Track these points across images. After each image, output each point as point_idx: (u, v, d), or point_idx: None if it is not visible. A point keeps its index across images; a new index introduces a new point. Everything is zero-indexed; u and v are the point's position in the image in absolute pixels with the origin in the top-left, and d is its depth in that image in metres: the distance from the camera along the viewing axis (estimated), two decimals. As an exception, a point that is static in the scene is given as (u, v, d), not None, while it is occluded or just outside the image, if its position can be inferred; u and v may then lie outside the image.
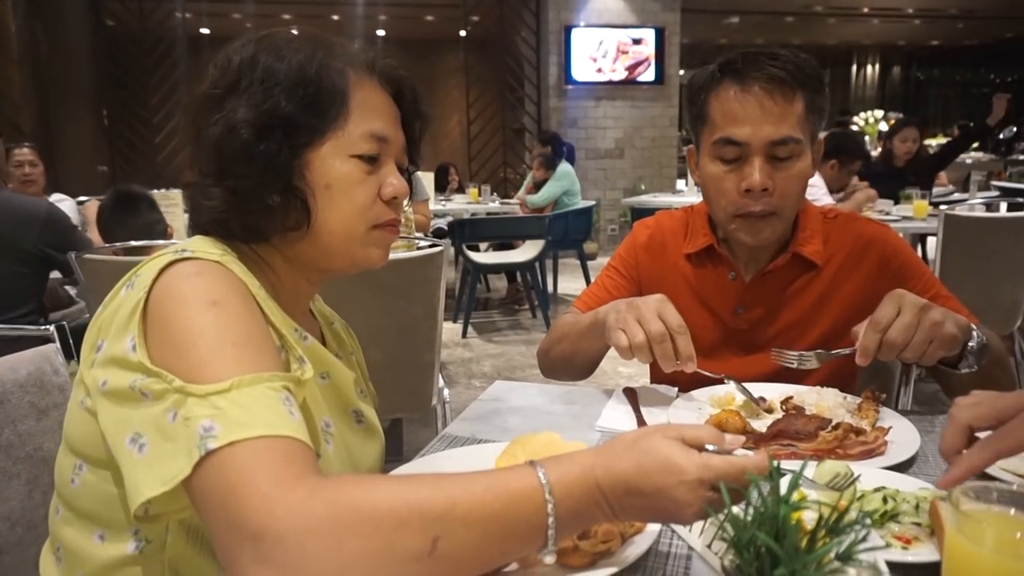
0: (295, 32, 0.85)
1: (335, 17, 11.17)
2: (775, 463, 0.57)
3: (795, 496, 0.54)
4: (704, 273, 1.32)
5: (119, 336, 0.70)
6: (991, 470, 0.87)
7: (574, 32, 8.16)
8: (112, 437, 0.68)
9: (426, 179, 5.69)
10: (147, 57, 7.99)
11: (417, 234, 3.48)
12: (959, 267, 3.28)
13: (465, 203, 6.35)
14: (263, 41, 0.83)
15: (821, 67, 1.21)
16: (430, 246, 2.37)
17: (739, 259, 1.29)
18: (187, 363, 0.66)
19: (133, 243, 2.53)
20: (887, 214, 4.14)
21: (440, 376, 2.80)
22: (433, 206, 5.96)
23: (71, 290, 2.94)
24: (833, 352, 1.12)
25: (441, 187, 7.13)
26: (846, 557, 0.51)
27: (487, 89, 9.47)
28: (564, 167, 5.87)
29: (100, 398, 0.69)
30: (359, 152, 0.83)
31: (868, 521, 0.70)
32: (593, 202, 6.35)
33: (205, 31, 10.55)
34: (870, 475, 0.85)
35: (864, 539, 0.51)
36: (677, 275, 1.34)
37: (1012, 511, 0.51)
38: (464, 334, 5.10)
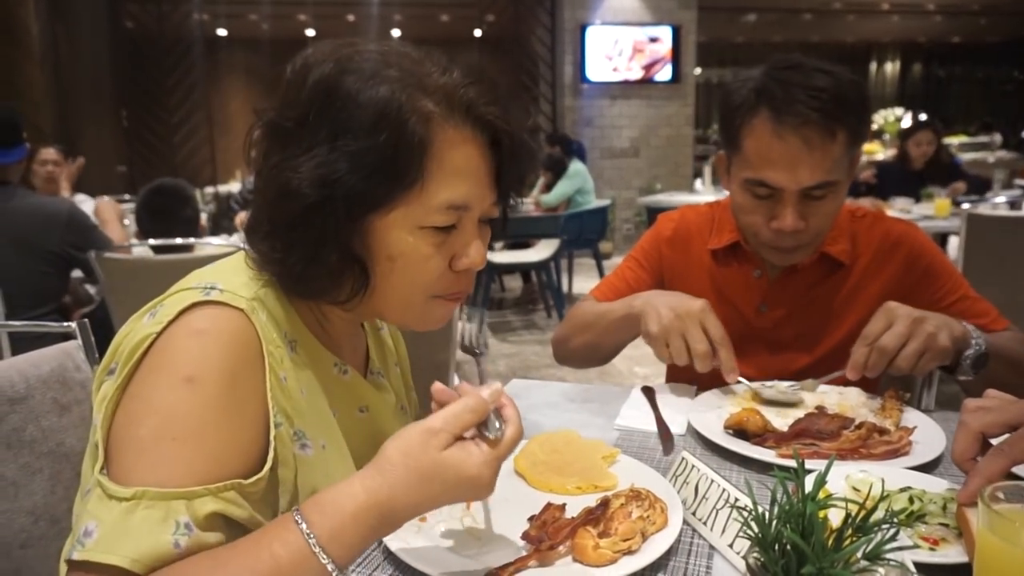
0: (382, 51, 0.74)
1: (350, 17, 11.21)
2: (800, 461, 0.56)
3: (820, 495, 0.54)
4: (728, 270, 1.30)
5: (118, 373, 0.68)
6: (1020, 471, 0.86)
7: (589, 31, 8.14)
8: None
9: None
10: (165, 58, 8.08)
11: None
12: (982, 267, 3.23)
13: (481, 202, 6.33)
14: (347, 62, 0.72)
15: (862, 86, 1.13)
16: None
17: (765, 257, 1.27)
18: (123, 445, 0.64)
19: (152, 241, 2.55)
20: (908, 213, 4.09)
21: (456, 375, 2.81)
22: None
23: (91, 289, 2.97)
24: (825, 378, 1.12)
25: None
26: (874, 556, 0.50)
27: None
28: (576, 166, 5.85)
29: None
30: (432, 223, 0.73)
31: (896, 520, 0.70)
32: (608, 201, 6.33)
33: (222, 32, 10.65)
34: (896, 475, 0.84)
35: (892, 538, 0.50)
36: (701, 270, 1.32)
37: (1046, 510, 0.50)
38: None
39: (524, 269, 5.95)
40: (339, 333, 0.84)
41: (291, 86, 0.73)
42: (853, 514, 0.52)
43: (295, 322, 0.77)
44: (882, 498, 0.78)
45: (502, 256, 5.70)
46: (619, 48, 8.16)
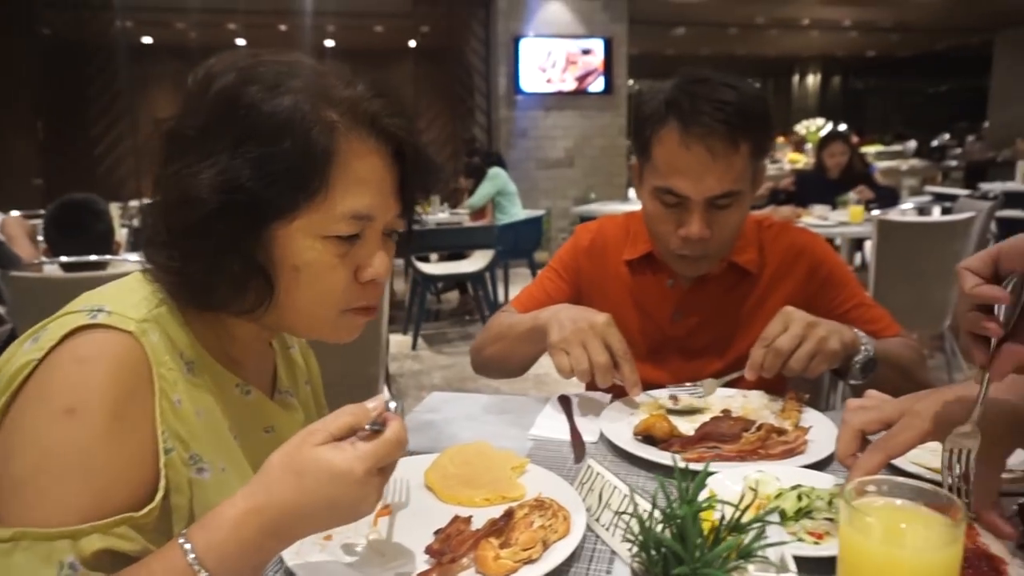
0: (286, 62, 0.74)
1: (283, 27, 11.03)
2: (680, 466, 0.58)
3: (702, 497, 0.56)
4: (643, 279, 1.34)
5: None
6: (901, 464, 0.91)
7: (523, 43, 8.22)
8: None
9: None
10: (86, 67, 7.79)
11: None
12: (893, 269, 3.40)
13: (415, 213, 6.34)
14: (250, 72, 0.71)
15: (765, 100, 1.18)
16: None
17: (673, 267, 1.30)
18: (1, 483, 0.61)
19: (64, 259, 2.45)
20: (825, 219, 4.28)
21: (386, 388, 2.79)
22: (383, 217, 5.93)
23: (1, 310, 2.83)
24: (724, 377, 1.17)
25: (391, 198, 7.13)
26: (747, 554, 0.52)
27: (437, 99, 9.48)
28: (494, 170, 5.98)
29: None
30: (335, 233, 0.73)
31: (775, 518, 0.73)
32: (543, 211, 6.40)
33: (147, 40, 10.33)
34: (790, 474, 0.88)
35: (761, 536, 0.52)
36: (617, 281, 1.36)
37: (899, 502, 0.53)
38: (414, 346, 5.07)
39: (460, 280, 5.95)
40: (243, 352, 0.83)
41: (193, 95, 0.72)
42: (729, 515, 0.54)
43: (193, 343, 0.75)
44: (774, 497, 0.82)
45: (437, 267, 5.69)
46: (552, 60, 8.28)
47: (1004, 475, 0.80)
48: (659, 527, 0.54)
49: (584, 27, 8.41)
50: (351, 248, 0.74)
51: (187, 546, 0.58)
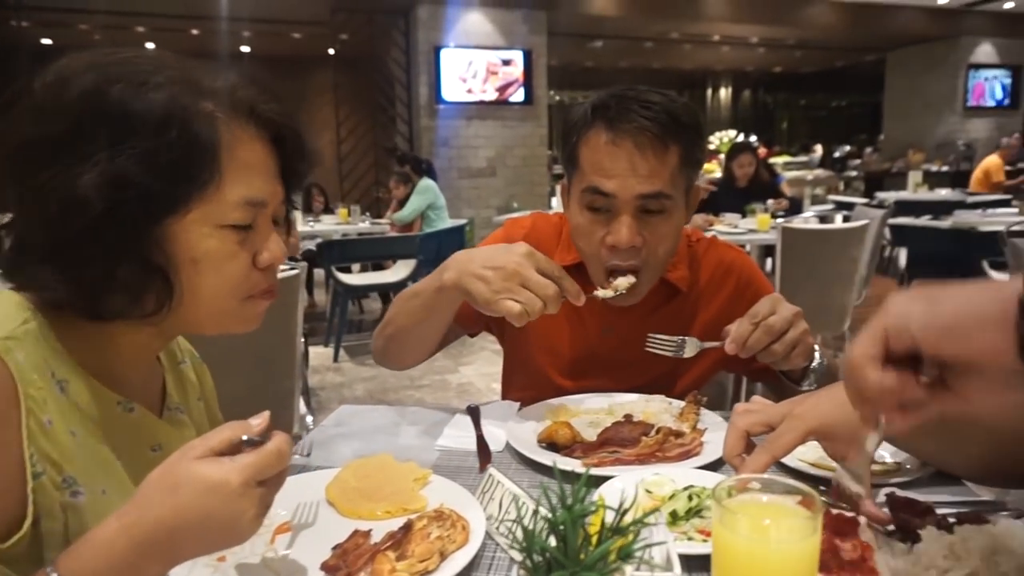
0: (148, 58, 0.72)
1: (195, 31, 10.69)
2: (559, 467, 0.59)
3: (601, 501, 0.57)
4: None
5: None
6: (789, 461, 0.96)
7: (444, 53, 8.24)
8: None
9: (293, 200, 5.54)
10: (-24, 70, 7.32)
11: (279, 257, 3.37)
12: (797, 274, 3.57)
13: (335, 224, 6.23)
14: (112, 68, 0.69)
15: (697, 113, 1.16)
16: (288, 269, 2.30)
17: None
18: None
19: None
20: (735, 227, 4.46)
21: (302, 403, 2.72)
22: (300, 227, 5.80)
23: None
24: (707, 344, 1.12)
25: (308, 208, 6.97)
26: (626, 555, 0.54)
27: (358, 108, 9.37)
28: (425, 182, 5.92)
29: None
30: (231, 222, 0.73)
31: (661, 518, 0.75)
32: (465, 220, 6.41)
33: (47, 42, 9.80)
34: (685, 475, 0.91)
35: (637, 537, 0.54)
36: None
37: (764, 498, 0.56)
38: (336, 358, 4.98)
39: (382, 290, 5.89)
40: (127, 368, 0.80)
41: (46, 100, 0.69)
42: (608, 520, 0.55)
43: (66, 360, 0.71)
44: (668, 499, 0.85)
45: (359, 278, 5.61)
46: (473, 70, 8.33)
47: (873, 467, 0.86)
48: (544, 533, 0.55)
49: (504, 38, 8.50)
50: (247, 235, 0.75)
51: (51, 571, 0.56)
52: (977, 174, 8.31)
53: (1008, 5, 11.19)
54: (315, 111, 12.86)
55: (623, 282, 1.11)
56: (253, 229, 0.76)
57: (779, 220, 3.85)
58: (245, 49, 12.00)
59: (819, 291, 3.61)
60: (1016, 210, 4.95)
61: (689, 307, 1.28)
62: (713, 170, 8.72)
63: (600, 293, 1.10)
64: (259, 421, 0.63)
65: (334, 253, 5.06)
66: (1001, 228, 3.24)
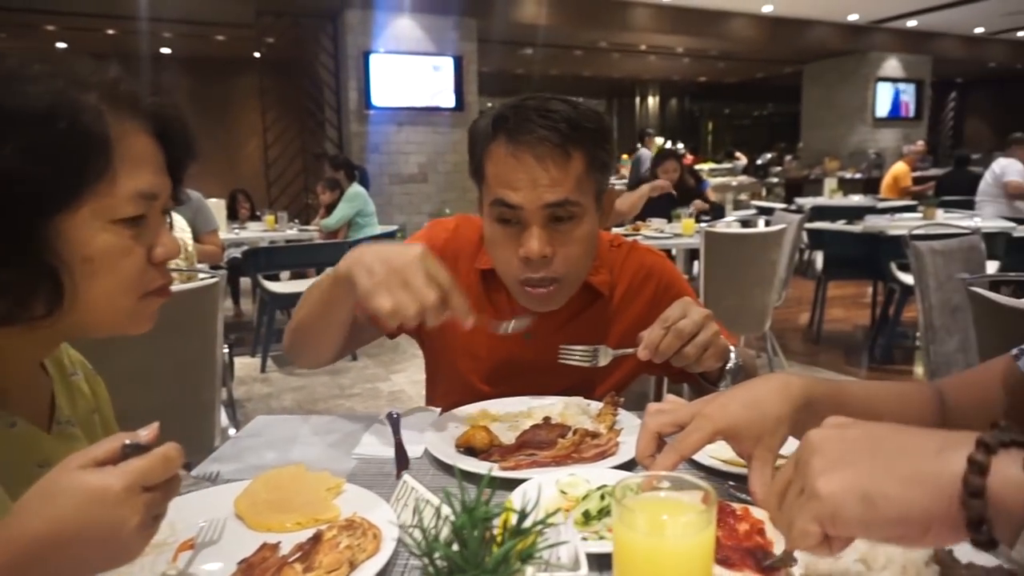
0: (18, 54, 0.69)
1: (110, 31, 10.26)
2: (460, 468, 0.59)
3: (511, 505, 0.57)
4: (496, 295, 1.27)
5: None
6: (699, 458, 0.98)
7: (373, 58, 8.17)
8: None
9: (216, 207, 5.38)
10: None
11: (200, 265, 3.26)
12: (720, 277, 3.68)
13: (261, 231, 6.07)
14: None
15: (601, 117, 1.17)
16: (207, 277, 2.23)
17: (522, 303, 1.23)
18: None
19: None
20: (662, 232, 4.56)
21: (225, 414, 2.64)
22: (225, 235, 5.63)
23: None
24: (619, 351, 1.12)
25: (233, 215, 6.78)
26: (527, 557, 0.54)
27: (286, 113, 9.18)
28: (355, 188, 5.83)
29: None
30: (124, 216, 0.71)
31: (561, 518, 0.76)
32: (395, 226, 6.35)
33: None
34: (601, 475, 0.92)
35: (537, 539, 0.55)
36: (469, 289, 1.26)
37: (662, 495, 0.58)
38: (263, 368, 4.85)
39: (311, 298, 5.77)
40: (9, 381, 0.76)
41: None
42: (509, 522, 0.56)
43: None
44: (582, 499, 0.86)
45: (287, 286, 5.48)
46: (403, 76, 8.28)
47: (779, 462, 0.89)
48: (447, 537, 0.55)
49: (434, 45, 8.49)
50: (140, 230, 0.74)
51: None
52: (887, 180, 8.76)
53: (911, 23, 11.91)
54: (241, 115, 12.55)
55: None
56: (146, 223, 0.75)
57: (702, 225, 3.96)
58: (165, 51, 11.59)
59: (741, 293, 3.73)
60: (921, 215, 5.23)
61: (610, 311, 1.29)
62: (641, 176, 8.91)
63: (494, 326, 1.09)
64: (147, 431, 0.60)
65: (260, 261, 4.93)
66: (905, 232, 3.42)
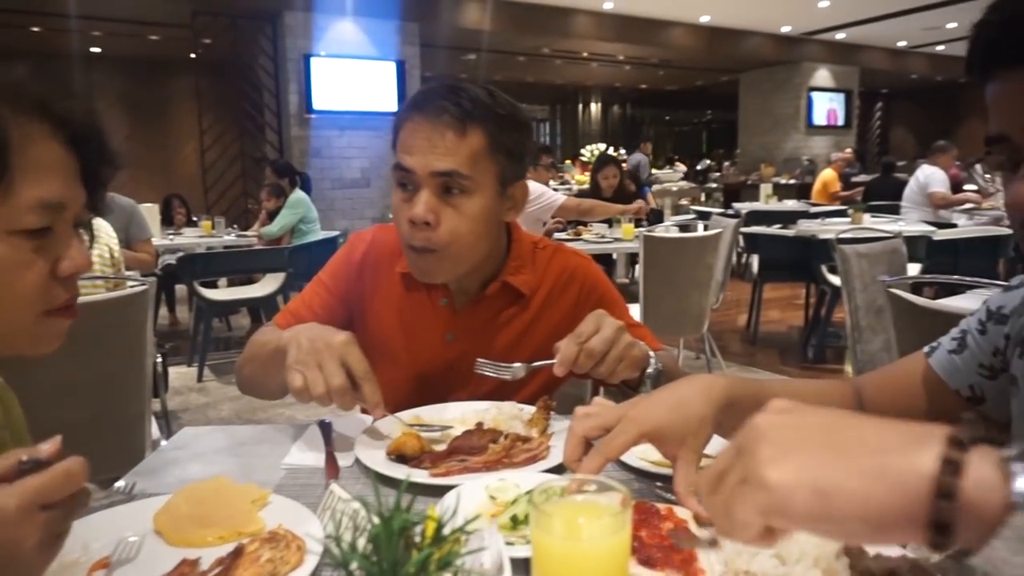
0: None
1: (35, 28, 9.84)
2: (374, 473, 0.59)
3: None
4: (417, 296, 1.29)
5: None
6: (631, 460, 1.00)
7: (314, 61, 8.05)
8: None
9: (149, 212, 5.21)
10: None
11: (129, 273, 3.15)
12: (658, 280, 3.75)
13: (197, 236, 5.91)
14: None
15: (516, 108, 1.20)
16: (136, 285, 2.15)
17: (451, 286, 1.28)
18: None
19: None
20: (603, 236, 4.63)
21: (157, 427, 2.55)
22: (160, 241, 5.47)
23: None
24: (536, 364, 1.14)
25: (168, 220, 6.58)
26: (445, 564, 0.54)
27: (224, 115, 8.95)
28: (298, 195, 5.73)
29: None
30: (24, 227, 0.68)
31: (483, 523, 0.76)
32: (337, 232, 6.26)
33: None
34: (531, 479, 0.93)
35: (461, 544, 0.55)
36: (391, 294, 1.30)
37: (579, 498, 0.58)
38: (200, 378, 4.71)
39: (250, 305, 5.64)
40: None
41: None
42: (429, 529, 0.56)
43: None
44: (511, 504, 0.86)
45: (225, 293, 5.35)
46: (345, 80, 8.18)
47: (704, 461, 0.91)
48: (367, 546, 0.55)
49: (376, 49, 8.42)
50: (44, 242, 0.71)
51: None
52: (817, 186, 9.10)
53: (840, 36, 12.42)
54: (178, 118, 12.19)
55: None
56: (52, 235, 0.71)
57: (642, 229, 4.03)
58: (96, 50, 11.18)
59: (679, 295, 3.81)
60: (849, 219, 5.44)
61: (532, 311, 1.30)
62: (584, 181, 9.01)
63: (400, 416, 1.15)
64: (48, 446, 0.58)
65: (196, 267, 4.80)
66: (833, 236, 3.56)
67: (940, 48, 13.37)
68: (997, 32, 0.64)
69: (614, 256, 4.66)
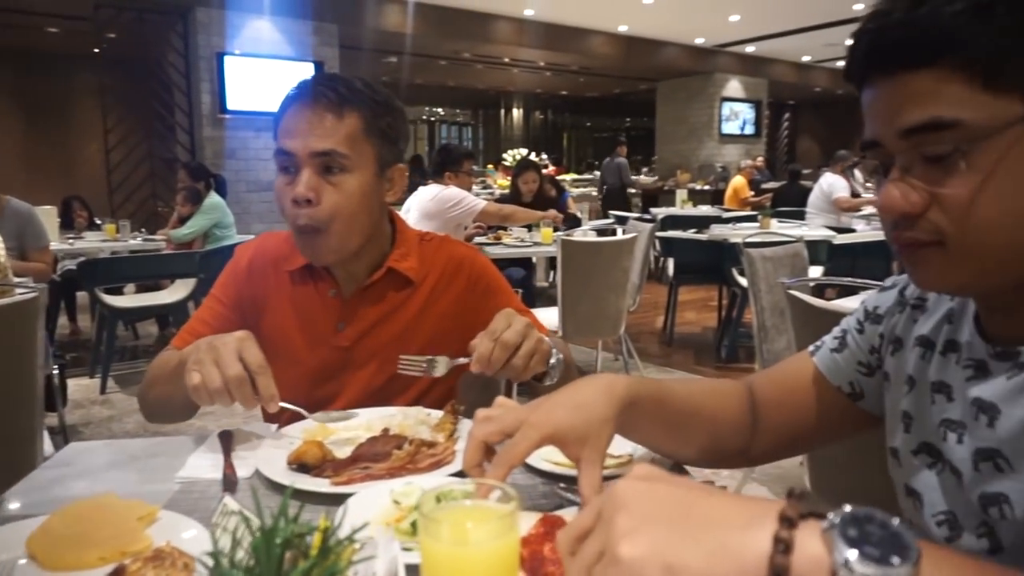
0: None
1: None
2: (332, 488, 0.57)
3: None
4: (307, 291, 1.33)
5: None
6: (536, 462, 1.01)
7: (228, 60, 7.79)
8: None
9: (47, 215, 4.92)
10: None
11: (19, 279, 2.95)
12: (576, 283, 3.81)
13: (100, 241, 5.61)
14: None
15: (391, 97, 1.27)
16: (24, 292, 2.02)
17: (338, 275, 1.32)
18: None
19: None
20: (523, 240, 4.66)
21: (52, 443, 2.41)
22: (58, 245, 5.17)
23: None
24: (457, 360, 1.16)
25: (68, 223, 6.22)
26: (333, 574, 0.53)
27: (131, 114, 8.54)
28: (213, 199, 5.53)
29: None
30: None
31: (379, 532, 0.76)
32: (252, 236, 6.07)
33: None
34: (435, 484, 0.92)
35: (350, 554, 0.54)
36: (280, 295, 1.33)
37: (468, 503, 0.58)
38: (103, 390, 4.47)
39: (158, 313, 5.40)
40: None
41: None
42: (314, 539, 0.54)
43: None
44: (414, 509, 0.85)
45: (131, 300, 5.10)
46: (261, 80, 7.94)
47: (608, 460, 0.93)
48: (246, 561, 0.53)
49: (294, 49, 8.23)
50: None
51: None
52: (728, 192, 9.48)
53: (749, 49, 12.99)
54: (79, 116, 11.55)
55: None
56: None
57: (559, 234, 4.09)
58: (-14, 41, 10.48)
59: (597, 298, 3.87)
60: (758, 224, 5.68)
61: (421, 298, 1.34)
62: (506, 186, 9.07)
63: (313, 417, 1.14)
64: None
65: (99, 273, 4.55)
66: (741, 240, 3.70)
67: (840, 63, 14.06)
68: (873, 40, 0.67)
69: (534, 260, 4.70)
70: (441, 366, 1.16)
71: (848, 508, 0.43)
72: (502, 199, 5.54)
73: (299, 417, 1.15)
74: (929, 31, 0.62)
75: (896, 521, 0.43)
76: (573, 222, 5.18)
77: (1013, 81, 0.61)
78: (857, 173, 7.52)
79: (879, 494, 0.87)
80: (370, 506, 0.86)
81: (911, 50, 0.63)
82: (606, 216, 8.31)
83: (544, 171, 6.94)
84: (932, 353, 0.80)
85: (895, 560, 0.40)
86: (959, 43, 0.61)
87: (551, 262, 4.79)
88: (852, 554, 0.40)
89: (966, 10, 0.60)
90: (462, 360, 1.13)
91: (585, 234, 4.49)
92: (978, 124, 0.61)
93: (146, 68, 8.25)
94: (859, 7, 8.89)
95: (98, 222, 6.53)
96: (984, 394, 0.70)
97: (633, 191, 12.57)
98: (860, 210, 6.46)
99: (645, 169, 14.79)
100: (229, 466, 1.03)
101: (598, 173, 13.72)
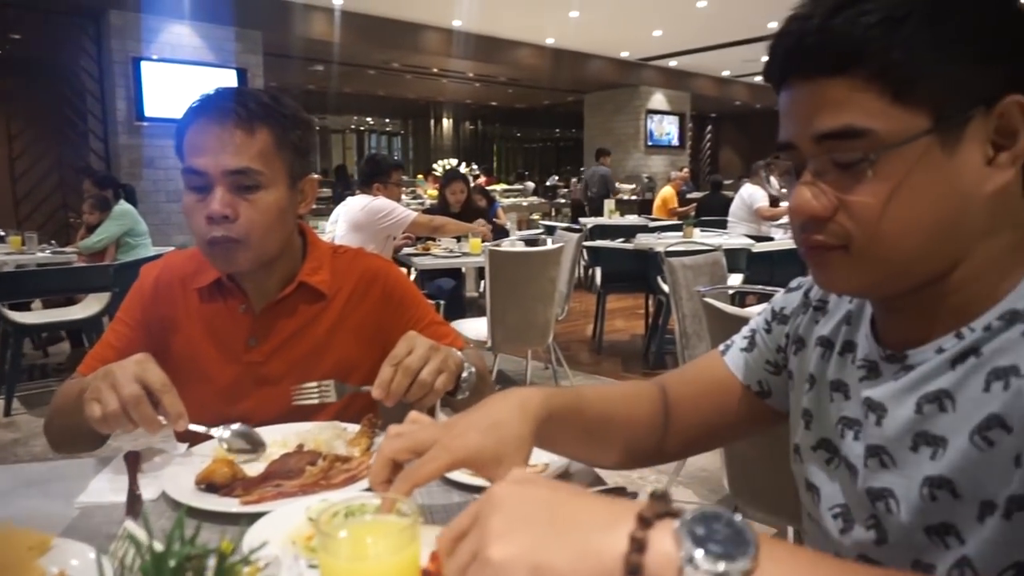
0: None
1: None
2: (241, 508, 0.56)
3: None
4: (216, 307, 1.30)
5: None
6: (453, 476, 1.00)
7: (144, 65, 7.52)
8: None
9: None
10: None
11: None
12: (504, 293, 3.84)
13: (4, 254, 5.31)
14: None
15: (299, 109, 1.26)
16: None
17: (249, 290, 1.29)
18: None
19: None
20: (451, 251, 4.66)
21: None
22: (-46, 259, 4.86)
23: None
24: (351, 387, 1.15)
25: (-32, 236, 5.87)
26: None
27: (38, 120, 8.14)
28: (122, 206, 5.32)
29: None
30: None
31: (285, 550, 0.75)
32: (173, 248, 5.86)
33: None
34: (341, 500, 0.91)
35: (241, 568, 0.53)
36: (189, 312, 1.30)
37: (368, 517, 0.59)
38: (8, 411, 4.22)
39: (69, 328, 5.15)
40: None
41: None
42: (212, 561, 0.54)
43: None
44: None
45: (39, 316, 4.84)
46: (181, 86, 7.69)
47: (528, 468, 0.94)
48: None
49: (215, 55, 8.02)
50: None
51: None
52: (657, 202, 9.71)
53: (672, 63, 13.40)
54: (-20, 122, 10.91)
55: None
56: None
57: (487, 244, 4.11)
58: None
59: (525, 308, 3.91)
60: (682, 233, 5.84)
61: (334, 312, 1.32)
62: (434, 195, 9.06)
63: (215, 431, 1.11)
64: None
65: (3, 287, 4.30)
66: (663, 249, 3.81)
67: (757, 79, 14.75)
68: (793, 44, 0.68)
69: (463, 270, 4.70)
70: (335, 392, 1.16)
71: (699, 508, 0.46)
72: (431, 209, 5.53)
73: (210, 437, 1.12)
74: (843, 40, 0.63)
75: (739, 518, 0.45)
76: (501, 233, 5.22)
77: (923, 95, 0.62)
78: (773, 180, 7.80)
79: (791, 490, 0.91)
80: (284, 525, 0.85)
81: (827, 57, 0.65)
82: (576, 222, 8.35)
83: (475, 181, 6.97)
84: (831, 353, 0.84)
85: (735, 555, 0.43)
86: (871, 55, 0.62)
87: (480, 272, 4.80)
88: (698, 552, 0.43)
89: (880, 23, 0.62)
90: (362, 388, 1.11)
91: (513, 244, 4.53)
92: (887, 135, 0.62)
93: (56, 72, 7.90)
94: (773, 25, 9.30)
95: (2, 234, 6.18)
96: (874, 394, 0.74)
97: (563, 201, 12.75)
98: (780, 218, 6.73)
99: (574, 179, 15.00)
100: (132, 489, 0.99)
101: (530, 183, 13.86)
